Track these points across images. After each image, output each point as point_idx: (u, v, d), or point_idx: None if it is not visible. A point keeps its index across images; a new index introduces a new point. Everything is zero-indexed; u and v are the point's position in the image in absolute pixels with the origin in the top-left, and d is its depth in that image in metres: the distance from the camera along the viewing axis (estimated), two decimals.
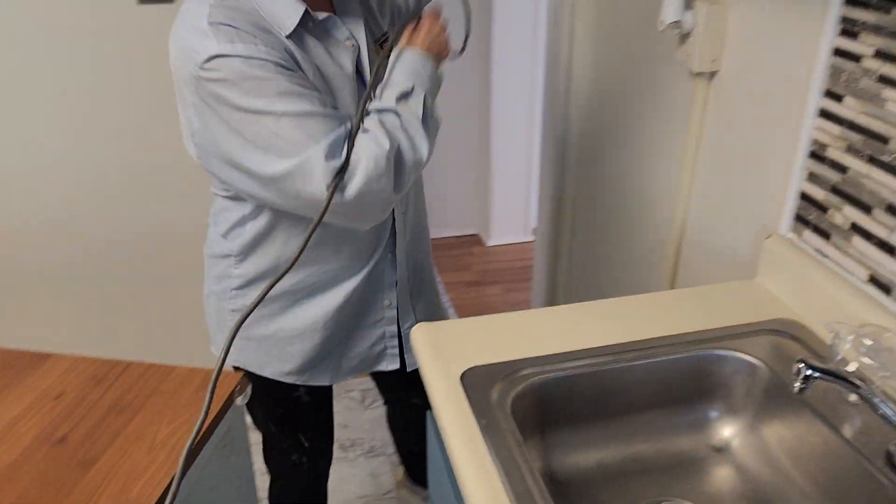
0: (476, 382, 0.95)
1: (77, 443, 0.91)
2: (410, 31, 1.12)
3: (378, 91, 1.07)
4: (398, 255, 1.28)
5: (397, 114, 1.04)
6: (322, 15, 1.07)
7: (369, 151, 0.99)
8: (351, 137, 0.99)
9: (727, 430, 1.02)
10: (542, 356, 0.99)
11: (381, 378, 1.60)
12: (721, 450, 1.01)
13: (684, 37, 1.27)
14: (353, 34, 1.12)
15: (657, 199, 1.53)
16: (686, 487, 0.97)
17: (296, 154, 0.97)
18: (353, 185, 0.98)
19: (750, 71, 1.17)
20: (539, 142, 2.37)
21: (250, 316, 1.12)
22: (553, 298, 2.25)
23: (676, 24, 1.24)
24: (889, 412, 0.73)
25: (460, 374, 0.97)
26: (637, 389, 1.01)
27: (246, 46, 0.96)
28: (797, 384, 0.74)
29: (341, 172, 0.97)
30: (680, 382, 1.02)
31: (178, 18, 1.02)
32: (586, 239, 1.95)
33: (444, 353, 1.01)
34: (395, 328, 1.34)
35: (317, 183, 0.97)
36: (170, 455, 0.86)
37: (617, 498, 0.96)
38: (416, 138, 1.05)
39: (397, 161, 1.02)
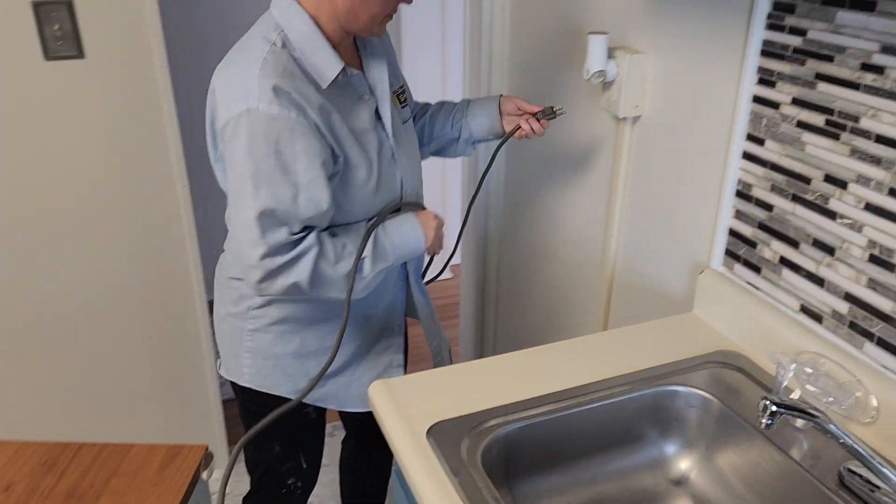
0: (443, 438, 0.94)
1: None
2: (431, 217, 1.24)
3: (375, 234, 1.18)
4: (412, 282, 1.36)
5: (361, 272, 1.15)
6: (354, 71, 1.16)
7: (300, 274, 1.10)
8: (301, 252, 1.10)
9: (684, 464, 1.06)
10: (504, 405, 1.00)
11: (350, 416, 1.59)
12: (680, 482, 1.04)
13: (608, 84, 1.33)
14: (373, 89, 1.21)
15: (586, 241, 1.58)
16: None
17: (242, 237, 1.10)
18: (275, 286, 1.11)
19: (672, 116, 1.24)
20: (459, 182, 2.41)
21: (267, 335, 1.27)
22: (483, 337, 2.27)
23: (601, 73, 1.30)
24: (847, 439, 0.78)
25: (426, 430, 0.96)
26: (596, 430, 1.03)
27: (280, 109, 1.04)
28: (764, 420, 0.78)
29: (275, 270, 1.09)
30: (636, 420, 1.05)
31: (233, 54, 1.11)
32: (514, 279, 1.99)
33: (406, 409, 1.00)
34: (401, 357, 1.40)
35: (252, 270, 1.10)
36: None
37: None
38: (330, 290, 1.15)
39: (306, 288, 1.13)
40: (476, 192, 1.51)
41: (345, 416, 1.62)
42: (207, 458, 0.95)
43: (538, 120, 1.33)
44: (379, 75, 1.22)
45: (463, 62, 2.02)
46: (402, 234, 1.19)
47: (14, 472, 0.93)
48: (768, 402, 0.77)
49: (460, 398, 1.02)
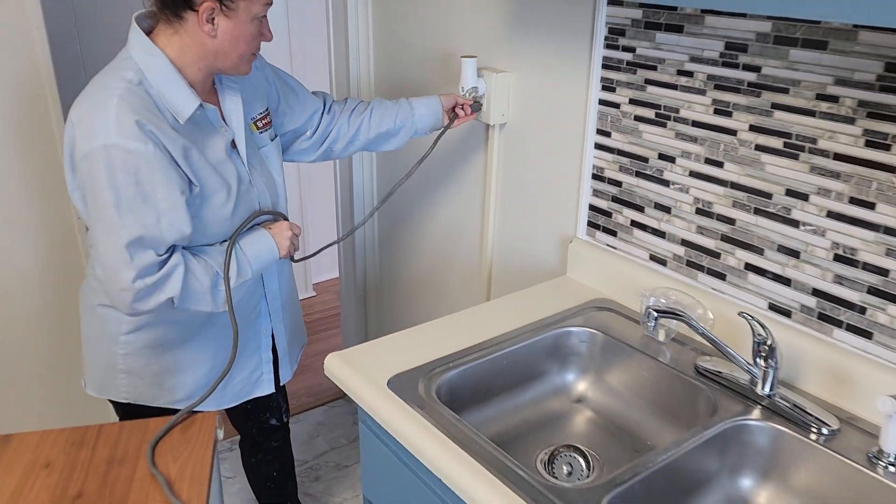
0: (401, 386, 1.16)
1: (95, 495, 0.95)
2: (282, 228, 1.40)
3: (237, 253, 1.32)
4: (270, 287, 1.50)
5: (215, 287, 1.28)
6: (210, 106, 1.27)
7: (172, 290, 1.22)
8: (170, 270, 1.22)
9: (581, 386, 1.35)
10: (440, 358, 1.23)
11: (238, 417, 1.71)
12: (580, 400, 1.33)
13: (479, 97, 1.62)
14: (228, 121, 1.33)
15: (464, 233, 1.85)
16: (564, 434, 1.27)
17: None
18: (148, 304, 1.21)
19: (534, 120, 1.55)
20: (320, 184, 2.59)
21: (140, 358, 1.38)
22: (366, 335, 2.47)
23: (473, 88, 1.59)
24: (705, 331, 1.10)
25: (385, 382, 1.17)
26: (512, 369, 1.30)
27: (136, 144, 1.13)
28: (650, 324, 1.08)
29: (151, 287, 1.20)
30: (541, 358, 1.33)
31: (90, 89, 1.18)
32: (394, 277, 2.22)
33: (363, 371, 1.20)
34: (270, 354, 1.55)
35: (124, 293, 1.19)
36: (192, 486, 0.95)
37: (521, 455, 1.22)
38: (199, 303, 1.27)
39: (177, 302, 1.25)
40: (390, 193, 1.68)
41: (234, 419, 1.72)
42: (219, 421, 1.09)
43: (472, 111, 1.60)
44: (234, 108, 1.34)
45: (330, 86, 2.23)
46: (256, 248, 1.34)
47: (48, 453, 1.01)
48: (653, 312, 1.07)
49: (405, 357, 1.23)
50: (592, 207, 1.48)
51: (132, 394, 1.40)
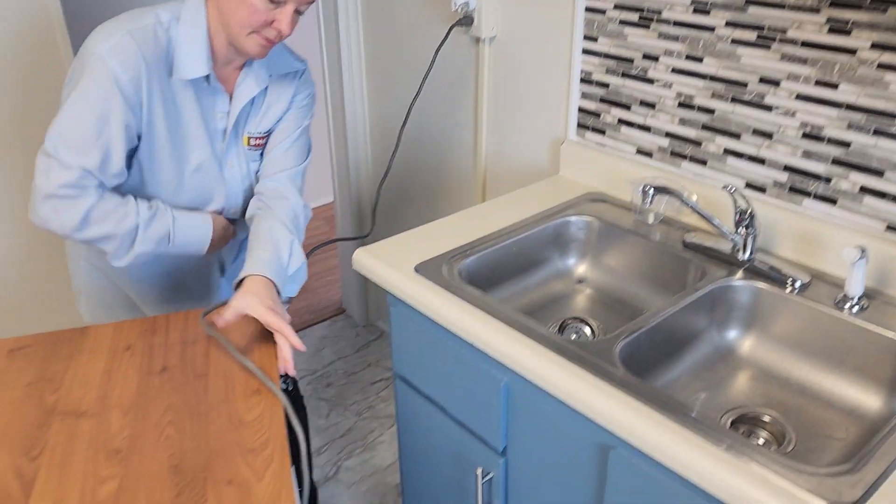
0: (427, 270, 1.30)
1: (178, 368, 1.07)
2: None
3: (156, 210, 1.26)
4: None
5: (131, 242, 1.24)
6: (219, 86, 1.26)
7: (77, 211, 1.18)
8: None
9: (581, 269, 1.50)
10: (458, 247, 1.37)
11: None
12: (581, 281, 1.49)
13: (469, 12, 1.72)
14: (230, 112, 1.30)
15: (457, 145, 1.97)
16: (569, 309, 1.43)
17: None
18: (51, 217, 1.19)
19: (523, 32, 1.66)
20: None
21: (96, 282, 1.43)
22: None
23: (465, 3, 1.68)
24: (694, 205, 1.25)
25: (412, 269, 1.31)
26: (520, 256, 1.44)
27: (119, 67, 1.14)
28: (648, 200, 1.23)
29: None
30: (544, 246, 1.48)
31: (124, 14, 1.19)
32: (390, 200, 2.34)
33: (390, 261, 1.34)
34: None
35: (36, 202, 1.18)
36: (263, 355, 1.11)
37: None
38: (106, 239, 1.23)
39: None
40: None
41: None
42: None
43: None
44: (244, 95, 1.29)
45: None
46: (190, 227, 1.29)
47: (125, 339, 1.14)
48: (648, 188, 1.22)
49: (424, 249, 1.37)
50: (581, 109, 1.61)
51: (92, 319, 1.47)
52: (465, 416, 1.28)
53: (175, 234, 1.27)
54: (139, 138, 1.22)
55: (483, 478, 1.25)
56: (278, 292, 1.20)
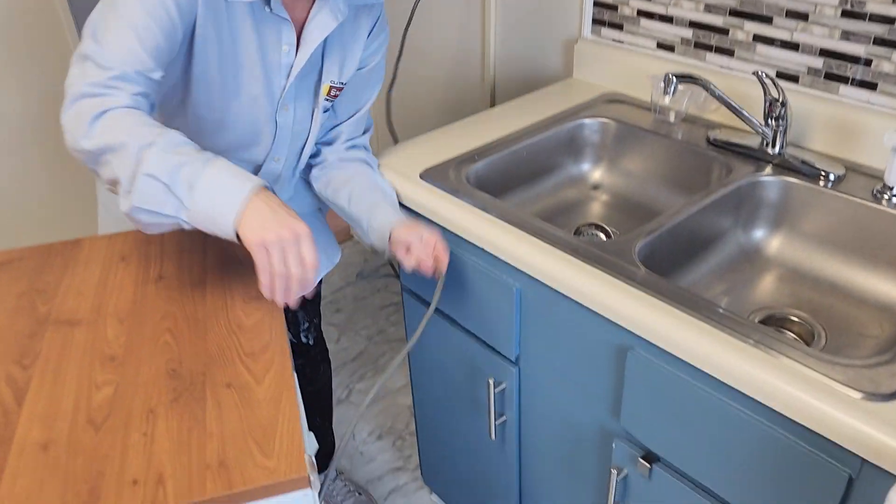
0: (434, 176, 1.23)
1: (175, 277, 1.03)
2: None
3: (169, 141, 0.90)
4: None
5: (154, 144, 0.89)
6: (283, 12, 1.03)
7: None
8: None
9: (597, 174, 1.43)
10: (466, 153, 1.30)
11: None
12: (597, 187, 1.41)
13: None
14: (300, 50, 1.08)
15: (466, 54, 1.87)
16: (584, 216, 1.36)
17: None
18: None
19: None
20: None
21: None
22: None
23: None
24: (721, 93, 1.16)
25: (418, 175, 1.24)
26: (532, 162, 1.37)
27: None
28: (670, 89, 1.14)
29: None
30: (558, 151, 1.40)
31: None
32: (400, 116, 2.25)
33: (396, 168, 1.27)
34: None
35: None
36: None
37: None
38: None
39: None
40: None
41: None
42: None
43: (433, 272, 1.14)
44: (316, 33, 1.07)
45: None
46: (222, 184, 0.88)
47: (120, 249, 1.09)
48: (669, 76, 1.13)
49: (431, 156, 1.29)
50: (598, 3, 1.50)
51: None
52: (476, 327, 1.22)
53: (199, 181, 0.87)
54: (188, 57, 1.02)
55: (495, 388, 1.21)
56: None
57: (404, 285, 1.38)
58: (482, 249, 1.12)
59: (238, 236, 0.87)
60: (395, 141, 2.08)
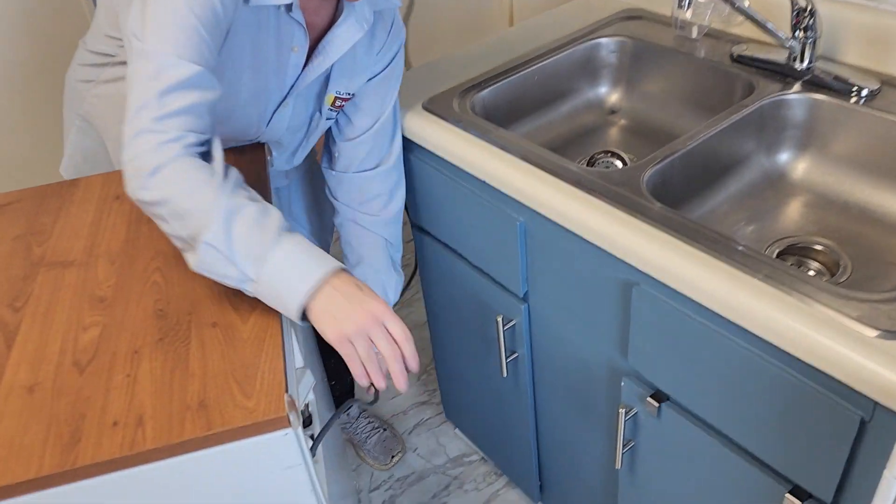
0: (437, 106, 1.16)
1: None
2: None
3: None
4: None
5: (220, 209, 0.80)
6: (299, 18, 0.96)
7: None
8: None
9: (614, 97, 1.34)
10: (471, 79, 1.23)
11: None
12: (614, 111, 1.33)
13: None
14: (320, 53, 1.02)
15: None
16: (599, 143, 1.29)
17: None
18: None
19: None
20: None
21: None
22: None
23: None
24: (740, 4, 1.06)
25: (420, 106, 1.18)
26: (544, 87, 1.29)
27: None
28: (690, 1, 1.05)
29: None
30: (572, 75, 1.32)
31: None
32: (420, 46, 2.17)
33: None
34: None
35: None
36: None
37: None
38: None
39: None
40: None
41: None
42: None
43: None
44: (338, 44, 1.01)
45: None
46: (289, 266, 0.80)
47: (115, 189, 1.08)
48: None
49: (435, 83, 1.23)
50: None
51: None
52: (483, 263, 1.18)
53: (271, 255, 0.80)
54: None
55: (504, 326, 1.17)
56: None
57: (413, 221, 1.34)
58: (484, 182, 1.07)
59: (305, 317, 0.82)
60: (407, 67, 1.99)
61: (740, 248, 0.81)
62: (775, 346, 0.75)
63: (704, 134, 1.02)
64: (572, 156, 1.27)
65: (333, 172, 1.20)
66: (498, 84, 1.22)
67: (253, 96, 1.03)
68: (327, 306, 0.80)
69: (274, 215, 0.82)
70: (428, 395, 1.84)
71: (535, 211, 1.00)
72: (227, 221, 0.79)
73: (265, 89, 1.03)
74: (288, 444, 0.76)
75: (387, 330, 0.81)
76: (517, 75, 1.24)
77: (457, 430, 1.73)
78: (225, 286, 0.88)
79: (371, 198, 1.20)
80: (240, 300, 0.87)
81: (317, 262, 0.81)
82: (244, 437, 0.74)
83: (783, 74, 1.10)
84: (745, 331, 0.77)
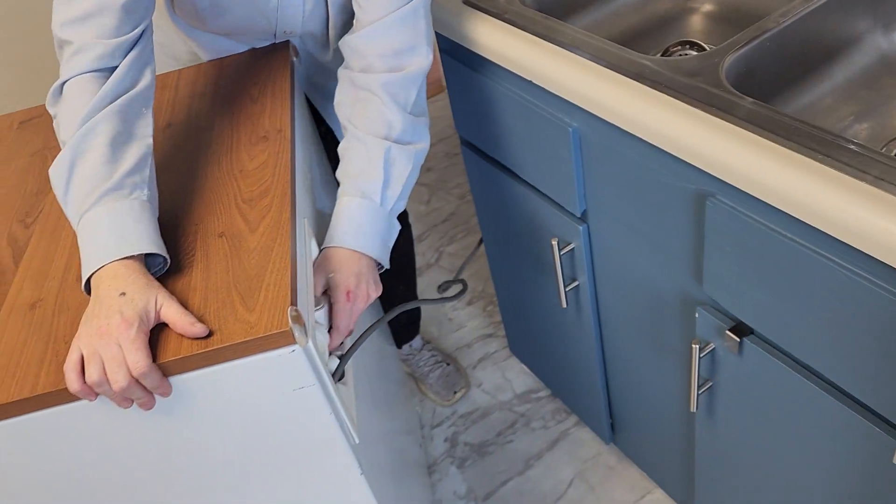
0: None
1: (182, 124, 0.94)
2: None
3: None
4: None
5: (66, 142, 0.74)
6: None
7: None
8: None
9: None
10: None
11: None
12: None
13: None
14: None
15: None
16: (678, 32, 1.10)
17: None
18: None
19: None
20: None
21: None
22: None
23: None
24: None
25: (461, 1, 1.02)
26: None
27: None
28: None
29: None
30: None
31: None
32: None
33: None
34: None
35: None
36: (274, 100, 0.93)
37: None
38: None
39: None
40: None
41: None
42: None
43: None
44: None
45: None
46: (88, 242, 0.70)
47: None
48: None
49: None
50: None
51: None
52: (535, 179, 1.03)
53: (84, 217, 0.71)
54: None
55: (561, 250, 1.03)
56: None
57: (460, 135, 1.20)
58: (531, 83, 0.91)
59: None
60: None
61: (845, 143, 0.63)
62: (887, 266, 0.58)
63: (803, 8, 0.82)
64: (644, 48, 1.08)
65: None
66: None
67: None
68: (89, 309, 0.67)
69: (121, 168, 0.72)
70: (493, 328, 1.73)
71: (589, 113, 0.84)
72: (71, 161, 0.71)
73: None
74: (296, 362, 0.67)
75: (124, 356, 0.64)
76: None
77: (523, 365, 1.62)
78: (234, 193, 0.81)
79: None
80: (249, 207, 0.79)
81: (113, 242, 0.69)
82: (245, 355, 0.66)
83: None
84: (848, 247, 0.61)
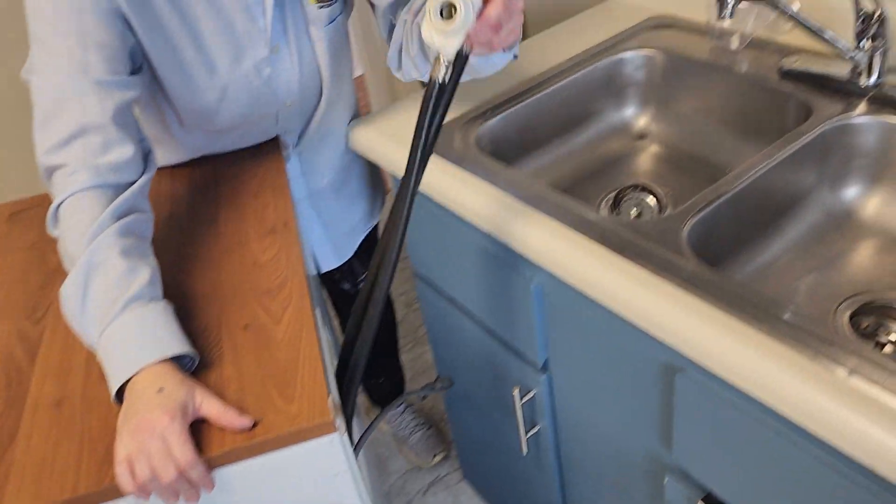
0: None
1: (186, 217, 0.95)
2: None
3: None
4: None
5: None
6: None
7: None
8: None
9: (643, 120, 1.16)
10: (476, 107, 1.06)
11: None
12: (643, 136, 1.16)
13: None
14: None
15: None
16: (627, 175, 1.11)
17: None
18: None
19: None
20: None
21: None
22: None
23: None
24: (791, 11, 0.88)
25: None
26: (561, 111, 1.12)
27: None
28: (727, 13, 0.88)
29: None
30: (593, 95, 1.14)
31: None
32: None
33: (393, 135, 1.05)
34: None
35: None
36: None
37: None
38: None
39: None
40: None
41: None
42: None
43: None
44: None
45: None
46: (113, 354, 0.70)
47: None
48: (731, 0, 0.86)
49: None
50: None
51: None
52: (495, 325, 1.02)
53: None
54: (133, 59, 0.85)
55: (522, 398, 1.00)
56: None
57: (415, 270, 1.18)
58: (490, 235, 0.90)
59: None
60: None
61: (809, 327, 0.63)
62: (861, 464, 0.57)
63: (755, 171, 0.84)
64: (596, 191, 1.09)
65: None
66: (508, 111, 1.05)
67: (231, 64, 0.90)
68: (126, 408, 0.67)
69: (139, 278, 0.73)
70: (445, 448, 1.68)
71: (550, 272, 0.83)
72: (86, 276, 0.72)
73: (238, 48, 0.89)
74: (334, 449, 0.69)
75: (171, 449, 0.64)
76: (530, 100, 1.07)
77: (477, 494, 1.56)
78: (251, 285, 0.83)
79: None
80: (270, 299, 0.80)
81: (147, 347, 0.69)
82: (288, 445, 0.68)
83: (845, 92, 0.92)
84: (822, 441, 0.60)
